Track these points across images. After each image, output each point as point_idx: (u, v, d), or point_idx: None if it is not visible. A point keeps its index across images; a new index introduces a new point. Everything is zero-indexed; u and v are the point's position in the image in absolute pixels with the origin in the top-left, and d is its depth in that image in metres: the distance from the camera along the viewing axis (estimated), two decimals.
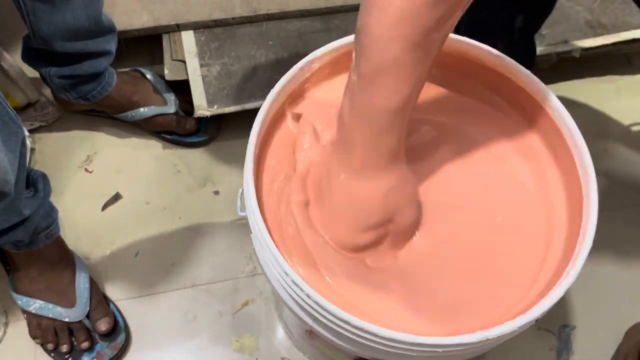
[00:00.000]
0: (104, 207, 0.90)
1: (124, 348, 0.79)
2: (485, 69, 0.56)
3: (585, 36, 0.98)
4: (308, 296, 0.44)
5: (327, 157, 0.51)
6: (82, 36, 0.77)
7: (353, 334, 0.44)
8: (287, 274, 0.45)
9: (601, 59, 1.03)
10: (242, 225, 0.89)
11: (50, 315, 0.76)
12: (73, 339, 0.78)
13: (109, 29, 0.82)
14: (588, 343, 0.82)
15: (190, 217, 0.89)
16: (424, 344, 0.42)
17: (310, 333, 0.59)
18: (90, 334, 0.78)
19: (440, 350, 0.43)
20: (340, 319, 0.43)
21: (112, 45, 0.83)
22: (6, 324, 0.80)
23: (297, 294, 0.46)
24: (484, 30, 0.55)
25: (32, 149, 0.93)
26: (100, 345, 0.78)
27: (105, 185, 0.91)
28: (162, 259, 0.86)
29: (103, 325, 0.77)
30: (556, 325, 0.83)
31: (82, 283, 0.78)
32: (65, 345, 0.77)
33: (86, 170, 0.93)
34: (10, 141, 0.58)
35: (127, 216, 0.89)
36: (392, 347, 0.43)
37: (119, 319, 0.80)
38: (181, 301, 0.83)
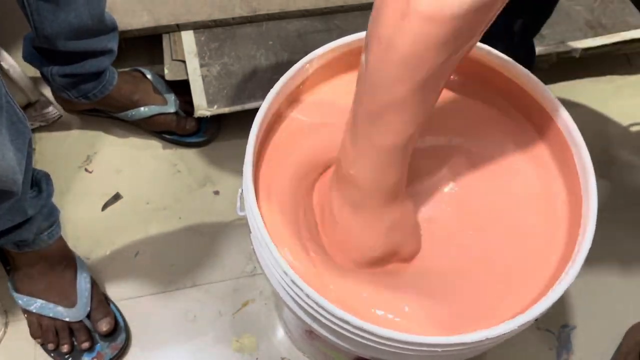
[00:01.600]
0: (104, 207, 0.90)
1: (124, 348, 0.79)
2: (486, 69, 0.56)
3: (585, 36, 0.98)
4: (307, 296, 0.44)
5: (330, 188, 0.50)
6: (85, 35, 0.77)
7: (352, 333, 0.44)
8: (286, 274, 0.45)
9: (601, 59, 1.03)
10: (242, 225, 0.89)
11: (51, 315, 0.76)
12: (73, 339, 0.78)
13: (112, 27, 0.82)
14: (588, 343, 0.82)
15: (190, 217, 0.89)
16: (423, 343, 0.42)
17: (310, 333, 0.59)
18: (90, 334, 0.78)
19: (439, 349, 0.43)
20: (340, 319, 0.43)
21: (113, 43, 0.84)
22: (6, 324, 0.80)
23: (296, 294, 0.46)
24: (483, 34, 0.55)
25: (33, 149, 0.93)
26: (101, 345, 0.78)
27: (105, 185, 0.91)
28: (162, 259, 0.86)
29: (104, 326, 0.77)
30: (556, 325, 0.83)
31: (83, 283, 0.78)
32: (65, 345, 0.77)
33: (86, 170, 0.93)
34: (18, 141, 0.58)
35: (127, 216, 0.89)
36: (391, 346, 0.43)
37: (119, 319, 0.80)
38: (181, 301, 0.83)
